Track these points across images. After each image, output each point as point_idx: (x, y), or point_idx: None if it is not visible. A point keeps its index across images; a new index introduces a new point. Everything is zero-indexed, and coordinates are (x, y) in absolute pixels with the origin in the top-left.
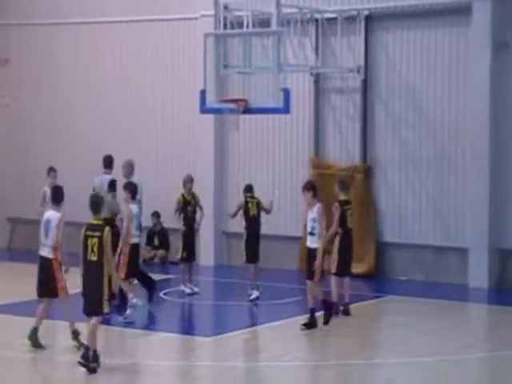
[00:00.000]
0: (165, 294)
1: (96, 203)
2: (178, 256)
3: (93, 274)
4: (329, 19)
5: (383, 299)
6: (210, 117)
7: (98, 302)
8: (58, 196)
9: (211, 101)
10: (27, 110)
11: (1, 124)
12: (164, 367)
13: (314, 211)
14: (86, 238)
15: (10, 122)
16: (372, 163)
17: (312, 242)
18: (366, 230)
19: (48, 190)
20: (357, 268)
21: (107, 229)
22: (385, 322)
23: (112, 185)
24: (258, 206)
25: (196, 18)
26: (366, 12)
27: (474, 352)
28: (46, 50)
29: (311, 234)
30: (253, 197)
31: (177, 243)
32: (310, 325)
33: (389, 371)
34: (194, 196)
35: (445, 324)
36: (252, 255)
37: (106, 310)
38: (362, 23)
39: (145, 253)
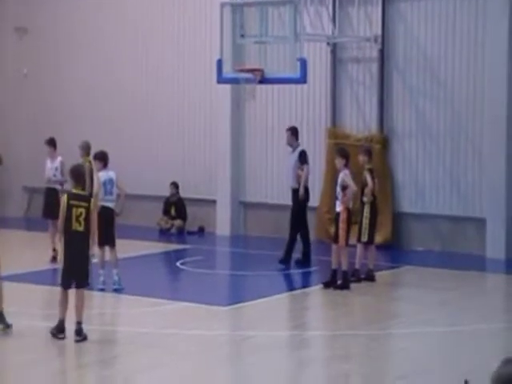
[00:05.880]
0: (182, 263)
1: (79, 173)
2: None
3: (79, 244)
4: None
5: (400, 269)
6: (227, 87)
7: (86, 273)
8: None
9: (228, 71)
10: (45, 80)
11: (18, 94)
12: (182, 335)
13: (339, 177)
14: (71, 207)
15: (28, 91)
16: (389, 133)
17: (337, 206)
18: (383, 200)
19: (49, 162)
20: None
21: (93, 199)
22: (401, 292)
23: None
24: None
25: None
26: None
27: (490, 322)
28: (65, 20)
29: (336, 198)
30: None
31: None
32: (328, 284)
33: (404, 341)
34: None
35: (461, 294)
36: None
37: (89, 279)
38: None
39: (162, 223)
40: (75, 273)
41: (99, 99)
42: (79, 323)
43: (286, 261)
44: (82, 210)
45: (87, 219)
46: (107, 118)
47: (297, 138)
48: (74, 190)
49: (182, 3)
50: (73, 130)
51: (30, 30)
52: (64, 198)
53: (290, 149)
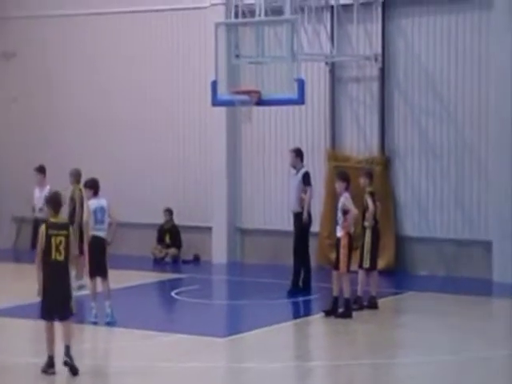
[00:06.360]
0: (177, 293)
1: (59, 201)
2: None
3: (60, 274)
4: (344, 5)
5: (403, 295)
6: (222, 109)
7: (68, 303)
8: None
9: (223, 92)
10: (34, 105)
11: (8, 119)
12: (178, 368)
13: (340, 201)
14: (50, 236)
15: (17, 117)
16: (391, 154)
17: (338, 232)
18: (385, 223)
19: (37, 190)
20: None
21: (72, 227)
22: (405, 319)
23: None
24: None
25: (206, 7)
26: None
27: (498, 349)
28: (54, 42)
29: (337, 223)
30: None
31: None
32: (329, 312)
33: (409, 369)
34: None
35: (468, 320)
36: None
37: (74, 310)
38: (379, 9)
39: (156, 252)
40: (57, 306)
41: (91, 124)
42: (68, 347)
43: (294, 292)
44: (62, 239)
45: (67, 248)
46: (98, 142)
47: (302, 160)
48: (52, 219)
49: (175, 24)
50: (63, 157)
51: (19, 54)
52: (42, 228)
53: (292, 171)
